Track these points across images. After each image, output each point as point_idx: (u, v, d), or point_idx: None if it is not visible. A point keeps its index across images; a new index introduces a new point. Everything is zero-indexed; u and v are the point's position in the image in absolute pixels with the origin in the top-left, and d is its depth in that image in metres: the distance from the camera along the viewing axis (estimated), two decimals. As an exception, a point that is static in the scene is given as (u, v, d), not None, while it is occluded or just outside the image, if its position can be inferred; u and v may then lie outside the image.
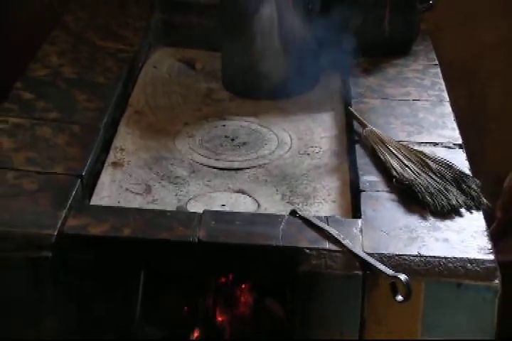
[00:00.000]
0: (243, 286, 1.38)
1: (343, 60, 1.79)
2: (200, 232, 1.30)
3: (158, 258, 1.31)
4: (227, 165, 1.57)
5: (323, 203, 1.46)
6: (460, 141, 1.56)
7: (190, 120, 1.71)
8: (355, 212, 1.41)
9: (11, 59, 2.12)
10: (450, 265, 1.27)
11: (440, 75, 1.79)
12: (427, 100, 1.69)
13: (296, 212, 1.36)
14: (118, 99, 1.68)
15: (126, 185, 1.49)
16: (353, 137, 1.59)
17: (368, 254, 1.27)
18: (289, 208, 1.40)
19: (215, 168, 1.57)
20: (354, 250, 1.28)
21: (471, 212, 1.38)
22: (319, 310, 1.28)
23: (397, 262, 1.27)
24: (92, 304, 1.32)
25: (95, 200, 1.44)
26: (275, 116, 1.73)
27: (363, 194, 1.41)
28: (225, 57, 1.83)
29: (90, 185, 1.47)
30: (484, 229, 1.34)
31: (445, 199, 1.38)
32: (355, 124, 1.61)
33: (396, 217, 1.36)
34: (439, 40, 1.97)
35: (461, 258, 1.27)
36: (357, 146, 1.55)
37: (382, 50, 1.83)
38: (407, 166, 1.45)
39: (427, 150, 1.51)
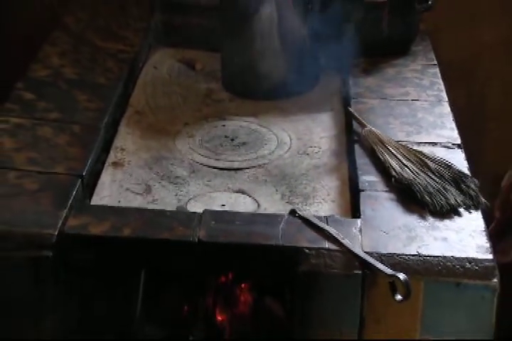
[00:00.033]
0: (243, 286, 1.38)
1: (343, 60, 1.79)
2: (200, 232, 1.31)
3: (158, 258, 1.32)
4: (227, 165, 1.57)
5: (322, 203, 1.46)
6: (459, 141, 1.56)
7: (190, 120, 1.72)
8: (355, 211, 1.41)
9: (11, 59, 2.12)
10: (449, 264, 1.27)
11: (439, 75, 1.79)
12: (425, 100, 1.70)
13: (296, 212, 1.36)
14: (118, 99, 1.69)
15: (126, 184, 1.50)
16: (353, 137, 1.59)
17: (367, 254, 1.27)
18: (289, 208, 1.40)
19: (215, 167, 1.57)
20: (353, 249, 1.28)
21: (469, 212, 1.38)
22: (319, 310, 1.29)
23: (396, 261, 1.27)
24: (93, 303, 1.32)
25: (96, 200, 1.45)
26: (275, 116, 1.73)
27: (362, 194, 1.42)
28: (225, 58, 1.83)
29: (91, 184, 1.47)
30: (483, 229, 1.34)
31: (444, 199, 1.38)
32: (355, 124, 1.61)
33: (395, 216, 1.36)
34: (438, 40, 1.97)
35: (459, 258, 1.28)
36: (356, 146, 1.55)
37: (381, 51, 1.83)
38: (406, 166, 1.46)
39: (426, 150, 1.51)
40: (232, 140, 1.65)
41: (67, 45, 1.84)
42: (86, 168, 1.44)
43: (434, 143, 1.55)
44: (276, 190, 1.50)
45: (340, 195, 1.49)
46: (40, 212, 1.33)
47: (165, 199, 1.47)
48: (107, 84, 1.71)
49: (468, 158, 1.51)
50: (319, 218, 1.35)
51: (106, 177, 1.51)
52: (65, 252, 1.29)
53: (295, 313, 1.30)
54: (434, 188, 1.40)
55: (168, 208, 1.42)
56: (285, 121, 1.72)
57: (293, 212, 1.37)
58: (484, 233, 1.33)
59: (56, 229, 1.30)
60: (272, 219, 1.35)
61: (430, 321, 1.28)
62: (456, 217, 1.37)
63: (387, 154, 1.49)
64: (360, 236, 1.32)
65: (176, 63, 1.93)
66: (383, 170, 1.47)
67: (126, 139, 1.63)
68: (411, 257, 1.28)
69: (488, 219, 1.40)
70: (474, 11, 2.17)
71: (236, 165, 1.58)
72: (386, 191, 1.42)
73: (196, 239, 1.29)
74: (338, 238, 1.30)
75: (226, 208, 1.44)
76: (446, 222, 1.35)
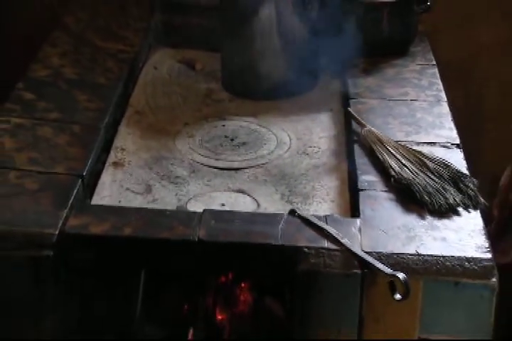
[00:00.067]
0: (243, 285, 1.39)
1: (342, 60, 1.80)
2: (200, 231, 1.31)
3: (158, 257, 1.32)
4: (226, 165, 1.58)
5: (322, 202, 1.47)
6: (457, 141, 1.56)
7: (190, 120, 1.72)
8: (354, 211, 1.42)
9: (11, 59, 2.12)
10: (448, 263, 1.27)
11: (438, 76, 1.79)
12: (424, 100, 1.70)
13: (295, 212, 1.36)
14: (118, 99, 1.69)
15: (126, 184, 1.50)
16: (352, 137, 1.59)
17: (367, 253, 1.28)
18: (288, 207, 1.40)
19: (214, 167, 1.57)
20: (353, 249, 1.28)
21: (468, 211, 1.38)
22: (318, 309, 1.29)
23: (396, 261, 1.27)
24: (93, 303, 1.32)
25: (96, 200, 1.45)
26: (274, 117, 1.73)
27: (361, 193, 1.42)
28: (225, 58, 1.83)
29: (91, 184, 1.48)
30: (481, 228, 1.35)
31: (443, 199, 1.38)
32: (354, 124, 1.61)
33: (394, 216, 1.36)
34: (437, 41, 1.97)
35: (458, 257, 1.28)
36: (355, 146, 1.55)
37: (380, 51, 1.83)
38: (405, 166, 1.46)
39: (425, 149, 1.52)
40: (232, 140, 1.65)
41: (68, 45, 1.84)
42: (86, 168, 1.45)
43: (433, 143, 1.56)
44: (276, 190, 1.51)
45: (340, 195, 1.49)
46: (40, 211, 1.33)
47: (165, 198, 1.47)
48: (107, 84, 1.71)
49: (467, 158, 1.51)
50: (319, 218, 1.35)
51: (106, 177, 1.52)
52: (65, 252, 1.29)
53: (295, 312, 1.31)
54: (433, 188, 1.40)
55: (169, 208, 1.42)
56: (285, 121, 1.72)
57: (292, 212, 1.37)
58: (483, 232, 1.34)
59: (57, 228, 1.30)
60: (271, 218, 1.36)
61: (429, 320, 1.28)
62: (455, 217, 1.37)
63: (387, 154, 1.49)
64: (359, 236, 1.32)
65: (176, 63, 1.93)
66: (382, 169, 1.47)
67: (126, 139, 1.64)
68: (410, 256, 1.28)
69: (486, 218, 1.40)
70: (472, 12, 2.17)
71: (236, 165, 1.58)
72: (385, 191, 1.42)
73: (196, 239, 1.30)
74: (338, 237, 1.30)
75: (226, 208, 1.44)
76: (445, 221, 1.36)
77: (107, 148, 1.59)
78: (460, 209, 1.38)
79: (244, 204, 1.46)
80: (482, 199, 1.40)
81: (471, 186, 1.42)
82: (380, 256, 1.28)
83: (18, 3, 2.23)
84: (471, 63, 2.21)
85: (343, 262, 1.28)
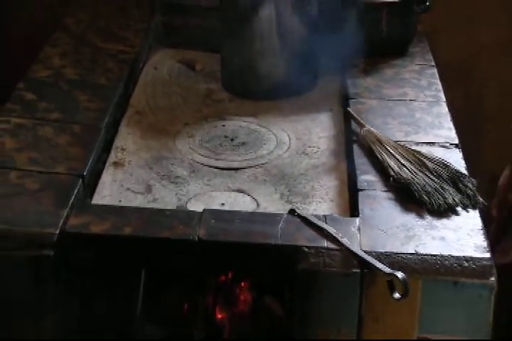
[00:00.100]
0: (242, 284, 1.39)
1: (341, 60, 1.80)
2: (200, 231, 1.31)
3: (158, 257, 1.32)
4: (226, 164, 1.58)
5: (321, 202, 1.47)
6: (456, 141, 1.57)
7: (190, 120, 1.72)
8: (353, 210, 1.42)
9: (11, 59, 2.13)
10: (447, 263, 1.28)
11: (437, 76, 1.80)
12: (423, 100, 1.70)
13: (295, 211, 1.37)
14: (119, 99, 1.69)
15: (127, 184, 1.50)
16: (351, 137, 1.60)
17: (366, 252, 1.28)
18: (288, 207, 1.41)
19: (215, 167, 1.57)
20: (352, 248, 1.28)
21: (467, 211, 1.39)
22: (317, 308, 1.29)
23: (395, 260, 1.28)
24: (94, 302, 1.33)
25: (96, 199, 1.45)
26: (274, 117, 1.74)
27: (360, 193, 1.42)
28: (225, 58, 1.83)
29: (92, 184, 1.48)
30: (480, 228, 1.35)
31: (442, 198, 1.38)
32: (353, 124, 1.62)
33: (393, 215, 1.37)
34: (436, 41, 1.98)
35: (457, 256, 1.28)
36: (355, 146, 1.56)
37: (379, 51, 1.83)
38: (404, 166, 1.46)
39: (424, 149, 1.52)
40: (232, 140, 1.66)
41: (68, 46, 1.84)
42: (87, 168, 1.45)
43: (432, 143, 1.56)
44: (276, 190, 1.51)
45: (339, 195, 1.49)
46: (41, 211, 1.34)
47: (165, 198, 1.47)
48: (107, 85, 1.71)
49: (466, 158, 1.52)
50: (318, 217, 1.35)
51: (107, 176, 1.52)
52: (66, 251, 1.30)
53: (294, 312, 1.31)
54: (432, 187, 1.40)
55: (169, 207, 1.43)
56: (284, 121, 1.72)
57: (292, 211, 1.37)
58: (482, 232, 1.34)
59: (57, 228, 1.30)
60: (271, 218, 1.36)
61: (428, 319, 1.28)
62: (453, 216, 1.37)
63: (386, 154, 1.50)
64: (358, 235, 1.32)
65: (176, 64, 1.94)
66: (381, 169, 1.47)
67: (126, 139, 1.64)
68: (409, 256, 1.28)
69: (485, 218, 1.41)
70: (472, 12, 2.17)
71: (236, 164, 1.58)
72: (384, 190, 1.43)
73: (196, 238, 1.30)
74: (337, 237, 1.30)
75: (226, 207, 1.45)
76: (444, 221, 1.36)
77: (107, 148, 1.59)
78: (459, 208, 1.39)
79: (244, 204, 1.46)
80: (481, 199, 1.41)
81: (470, 186, 1.42)
82: (379, 256, 1.28)
83: (18, 3, 2.23)
84: (471, 63, 2.21)
85: (343, 261, 1.28)
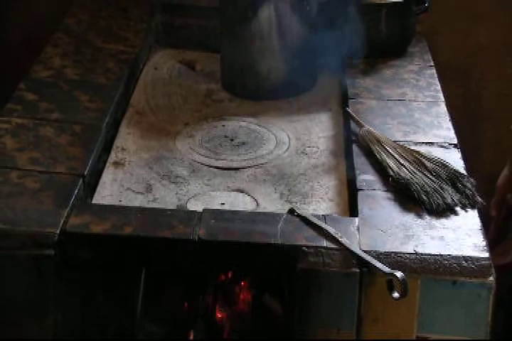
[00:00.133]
0: (242, 284, 1.39)
1: (341, 61, 1.81)
2: (200, 230, 1.32)
3: (158, 256, 1.32)
4: (226, 164, 1.58)
5: (320, 202, 1.47)
6: (455, 141, 1.57)
7: (191, 120, 1.73)
8: (353, 210, 1.42)
9: (12, 59, 2.13)
10: (445, 262, 1.28)
11: (435, 76, 1.80)
12: (422, 101, 1.70)
13: (295, 211, 1.37)
14: (119, 99, 1.70)
15: (127, 184, 1.51)
16: (350, 137, 1.60)
17: (365, 252, 1.28)
18: (287, 207, 1.41)
19: (214, 167, 1.58)
20: (351, 248, 1.29)
21: (466, 211, 1.39)
22: (317, 307, 1.29)
23: (394, 260, 1.28)
24: (94, 301, 1.33)
25: (97, 199, 1.46)
26: (274, 117, 1.74)
27: (359, 193, 1.43)
28: (225, 58, 1.84)
29: (92, 184, 1.48)
30: (479, 227, 1.35)
31: (440, 198, 1.39)
32: (352, 124, 1.62)
33: (392, 215, 1.37)
34: (435, 41, 1.98)
35: (456, 256, 1.28)
36: (354, 146, 1.56)
37: (378, 52, 1.83)
38: (403, 165, 1.47)
39: (423, 149, 1.52)
40: (232, 140, 1.66)
41: (69, 46, 1.84)
42: (87, 168, 1.45)
43: (431, 143, 1.56)
44: (275, 189, 1.51)
45: (339, 194, 1.49)
46: (42, 211, 1.34)
47: (165, 198, 1.48)
48: (108, 85, 1.71)
49: (465, 158, 1.52)
50: (317, 217, 1.36)
51: (107, 176, 1.53)
52: (66, 251, 1.30)
53: (293, 311, 1.31)
54: (430, 187, 1.41)
55: (169, 207, 1.43)
56: (284, 121, 1.73)
57: (291, 211, 1.37)
58: (480, 232, 1.34)
59: (58, 227, 1.31)
60: (270, 217, 1.36)
61: (427, 319, 1.29)
62: (452, 216, 1.37)
63: (385, 154, 1.50)
64: (357, 235, 1.32)
65: (176, 64, 1.94)
66: (381, 169, 1.48)
67: (126, 139, 1.64)
68: (408, 255, 1.28)
69: (484, 217, 1.41)
70: (470, 12, 2.17)
71: (235, 164, 1.59)
72: (383, 190, 1.43)
73: (196, 238, 1.30)
74: (336, 236, 1.31)
75: (226, 207, 1.45)
76: (443, 220, 1.36)
77: (107, 147, 1.59)
78: (458, 208, 1.39)
79: (243, 204, 1.47)
80: (480, 199, 1.41)
81: (469, 185, 1.42)
82: (378, 255, 1.28)
83: (18, 3, 2.23)
84: (469, 63, 2.22)
85: (342, 261, 1.28)
